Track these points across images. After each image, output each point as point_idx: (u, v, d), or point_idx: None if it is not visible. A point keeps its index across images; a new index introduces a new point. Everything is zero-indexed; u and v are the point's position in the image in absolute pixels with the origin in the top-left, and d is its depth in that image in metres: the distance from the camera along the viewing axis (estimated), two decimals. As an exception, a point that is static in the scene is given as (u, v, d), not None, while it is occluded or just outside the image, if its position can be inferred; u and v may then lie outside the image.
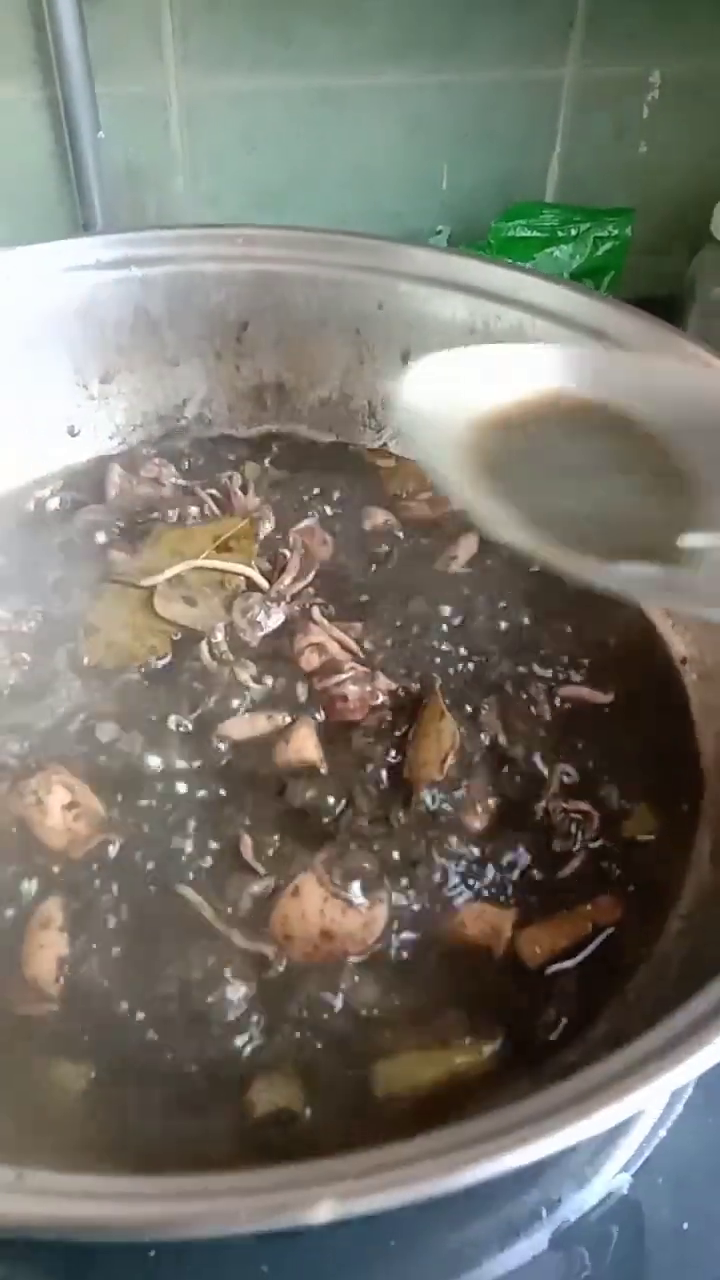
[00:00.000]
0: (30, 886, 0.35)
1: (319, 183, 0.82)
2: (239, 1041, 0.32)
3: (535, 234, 0.84)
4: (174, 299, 0.51)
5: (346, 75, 0.78)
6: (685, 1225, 0.35)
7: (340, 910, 0.33)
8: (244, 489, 0.50)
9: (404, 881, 0.35)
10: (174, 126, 0.77)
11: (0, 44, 0.68)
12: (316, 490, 0.50)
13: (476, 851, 0.36)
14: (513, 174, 0.87)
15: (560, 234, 0.85)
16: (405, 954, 0.34)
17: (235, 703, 0.41)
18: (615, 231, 0.86)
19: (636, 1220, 0.35)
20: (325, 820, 0.37)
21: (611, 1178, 0.36)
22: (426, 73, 0.79)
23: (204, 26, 0.74)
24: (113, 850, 0.35)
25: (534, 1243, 0.34)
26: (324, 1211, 0.19)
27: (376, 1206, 0.19)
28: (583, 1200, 0.35)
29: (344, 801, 0.37)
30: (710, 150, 0.87)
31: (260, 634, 0.44)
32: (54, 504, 0.50)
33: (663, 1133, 0.37)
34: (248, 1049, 0.31)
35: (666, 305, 0.86)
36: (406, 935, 0.34)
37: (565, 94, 0.84)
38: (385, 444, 0.54)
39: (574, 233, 0.85)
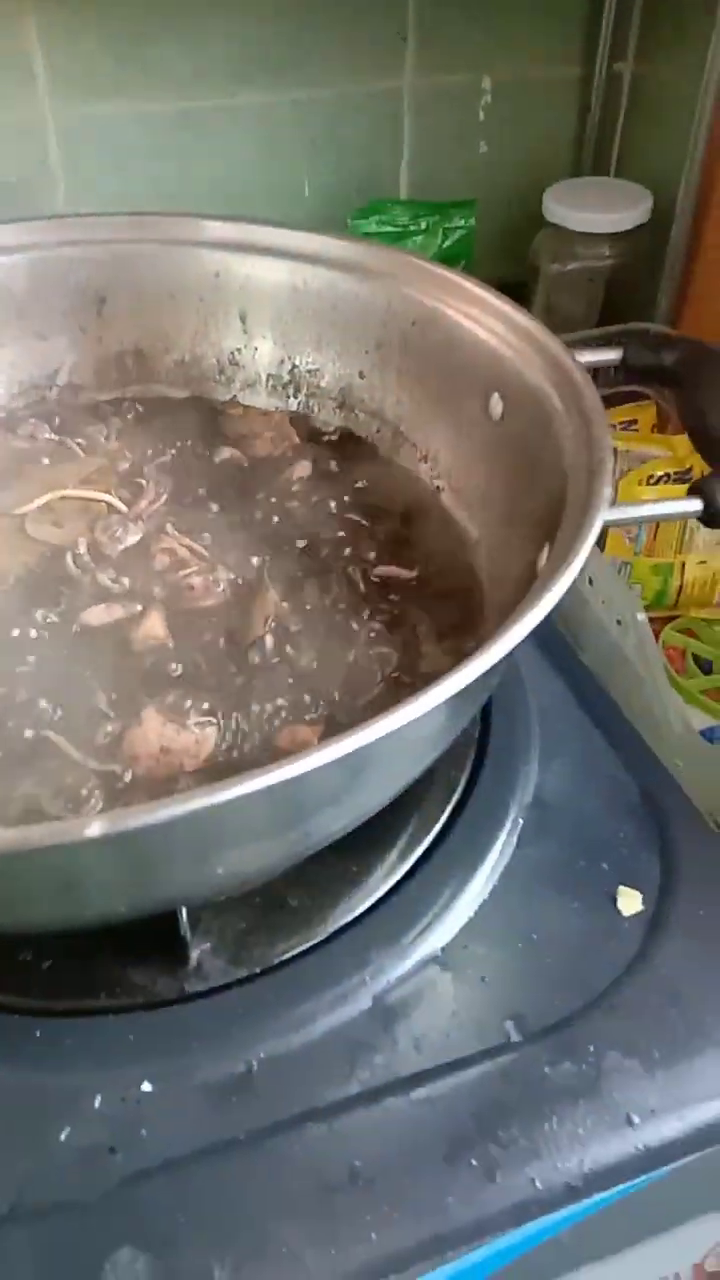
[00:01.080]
0: None
1: (187, 199, 0.91)
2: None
3: (390, 229, 0.93)
4: (36, 280, 0.59)
5: (201, 98, 0.86)
6: (483, 978, 0.42)
7: (175, 731, 0.40)
8: (106, 438, 0.57)
9: (233, 714, 0.42)
10: (50, 150, 0.85)
11: None
12: (172, 435, 0.58)
13: (292, 687, 0.44)
14: (368, 178, 0.96)
15: (412, 228, 0.94)
16: (230, 766, 0.41)
17: (94, 600, 0.48)
18: (462, 222, 0.95)
19: (444, 977, 0.42)
20: (169, 677, 0.44)
21: (425, 950, 0.43)
22: (275, 91, 0.88)
23: (69, 58, 0.82)
24: (-13, 707, 0.43)
25: (359, 1003, 0.41)
26: (94, 829, 0.26)
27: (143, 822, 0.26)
28: (399, 966, 0.42)
29: (184, 664, 0.45)
30: (538, 144, 0.97)
31: (119, 548, 0.51)
32: (-59, 462, 0.57)
33: (470, 914, 0.44)
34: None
35: (517, 287, 0.96)
36: (233, 752, 0.41)
37: (406, 102, 0.94)
38: (234, 396, 0.62)
39: (424, 225, 0.94)
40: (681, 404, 0.44)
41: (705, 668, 0.75)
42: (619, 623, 0.67)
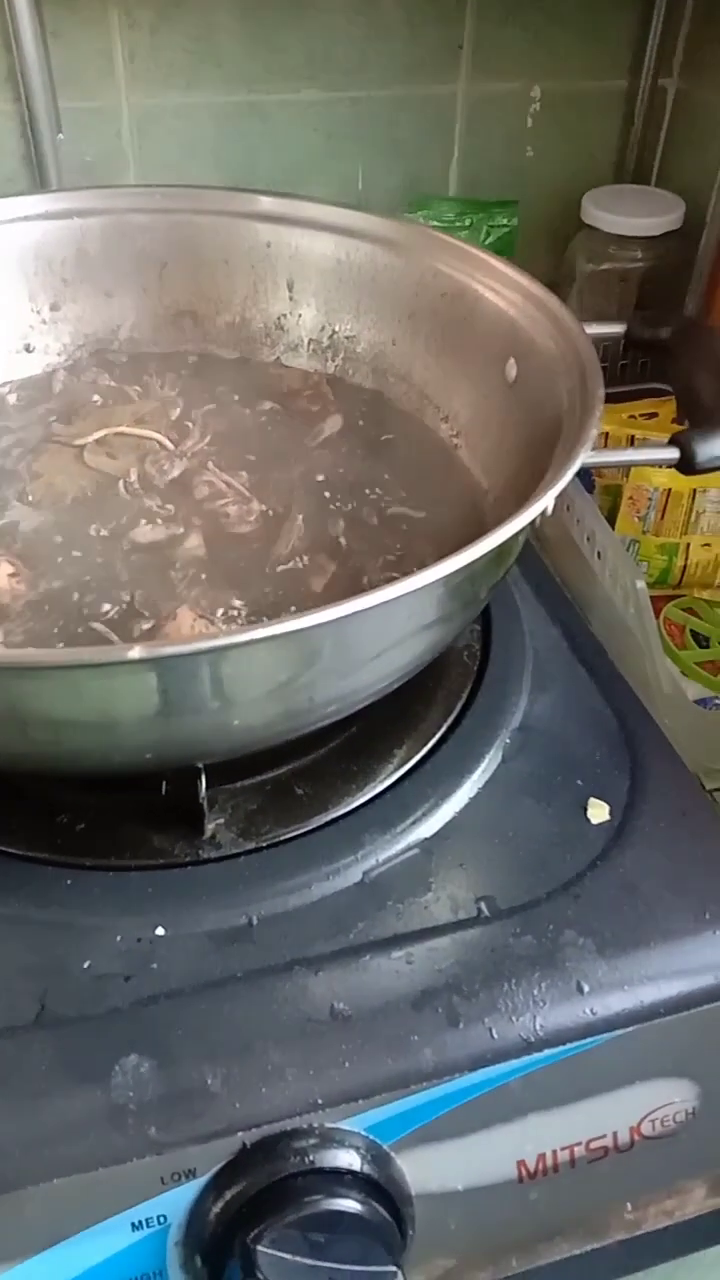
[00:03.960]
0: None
1: (250, 184, 0.97)
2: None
3: (437, 223, 0.99)
4: (108, 243, 0.65)
5: (269, 92, 0.93)
6: (464, 866, 0.48)
7: (205, 626, 0.46)
8: (161, 386, 0.64)
9: (255, 616, 0.48)
10: (125, 135, 0.92)
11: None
12: (220, 388, 0.64)
13: (309, 596, 0.50)
14: (419, 174, 1.02)
15: (458, 224, 1.00)
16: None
17: (143, 521, 0.54)
18: (505, 221, 1.00)
19: (427, 860, 0.48)
20: (204, 584, 0.50)
21: (412, 838, 0.48)
22: (337, 90, 0.95)
23: (148, 53, 0.89)
24: (39, 599, 0.49)
25: (350, 877, 0.47)
26: (136, 652, 0.31)
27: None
28: (388, 850, 0.48)
29: (218, 575, 0.51)
30: (582, 152, 1.03)
31: (166, 479, 0.57)
32: (12, 399, 0.63)
33: (455, 813, 0.50)
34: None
35: (552, 285, 1.01)
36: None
37: (459, 107, 1.00)
38: (278, 357, 0.68)
39: (469, 222, 1.00)
40: (673, 371, 0.49)
41: (703, 644, 0.79)
42: (621, 595, 0.72)
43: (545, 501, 0.39)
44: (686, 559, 0.79)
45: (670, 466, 0.45)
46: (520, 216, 1.00)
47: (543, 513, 0.40)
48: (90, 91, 0.89)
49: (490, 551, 0.38)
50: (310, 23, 0.91)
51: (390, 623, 0.38)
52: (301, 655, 0.37)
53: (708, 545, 0.79)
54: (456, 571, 0.37)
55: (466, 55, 0.97)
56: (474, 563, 0.38)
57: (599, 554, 0.75)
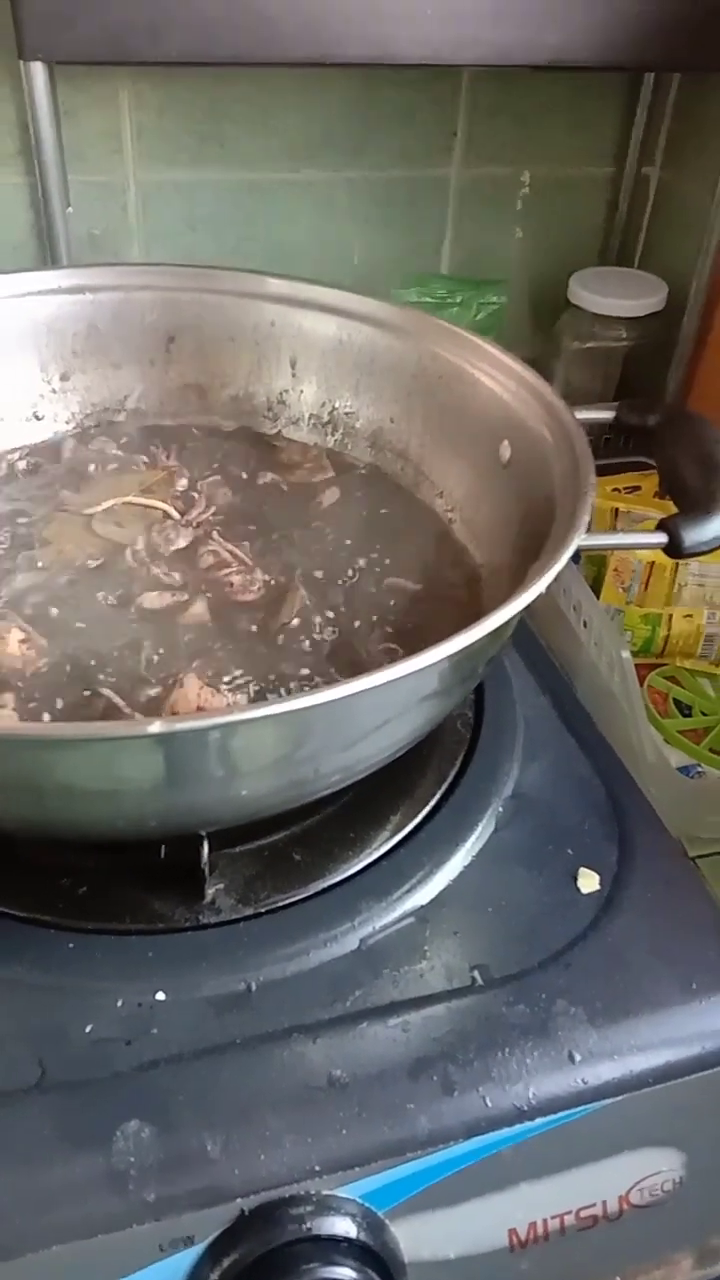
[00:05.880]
0: (-8, 691, 0.49)
1: (249, 258, 1.01)
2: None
3: (429, 300, 1.03)
4: (118, 317, 0.68)
5: (269, 171, 0.97)
6: (458, 935, 0.49)
7: (211, 694, 0.48)
8: (167, 456, 0.66)
9: (260, 684, 0.50)
10: (130, 208, 0.96)
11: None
12: (222, 459, 0.67)
13: (313, 664, 0.51)
14: (413, 252, 1.06)
15: (449, 300, 1.04)
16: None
17: (150, 589, 0.56)
18: (494, 299, 1.04)
19: (422, 928, 0.49)
20: (209, 651, 0.52)
21: (407, 906, 0.50)
22: (335, 170, 0.99)
23: (155, 132, 0.93)
24: (50, 664, 0.50)
25: (347, 945, 0.48)
26: (155, 727, 0.33)
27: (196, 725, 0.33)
28: (384, 917, 0.49)
29: (222, 642, 0.52)
30: (569, 234, 1.07)
31: (171, 549, 0.59)
32: (21, 465, 0.65)
33: (449, 881, 0.51)
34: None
35: (538, 362, 1.05)
36: (258, 718, 0.49)
37: (452, 190, 1.04)
38: (279, 430, 0.70)
39: (460, 299, 1.03)
40: (659, 458, 0.51)
41: (685, 712, 0.82)
42: (606, 663, 0.74)
43: (541, 585, 0.41)
44: (669, 629, 0.82)
45: (660, 549, 0.47)
46: (509, 295, 1.04)
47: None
48: (99, 167, 0.93)
49: (491, 632, 0.40)
50: (311, 107, 0.95)
51: (394, 697, 0.40)
52: (312, 728, 0.39)
53: (689, 616, 0.82)
54: (460, 650, 0.39)
55: (460, 141, 1.01)
56: (475, 642, 0.40)
57: (585, 623, 0.78)
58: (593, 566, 0.85)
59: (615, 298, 0.96)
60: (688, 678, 0.83)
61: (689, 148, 1.02)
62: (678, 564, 0.80)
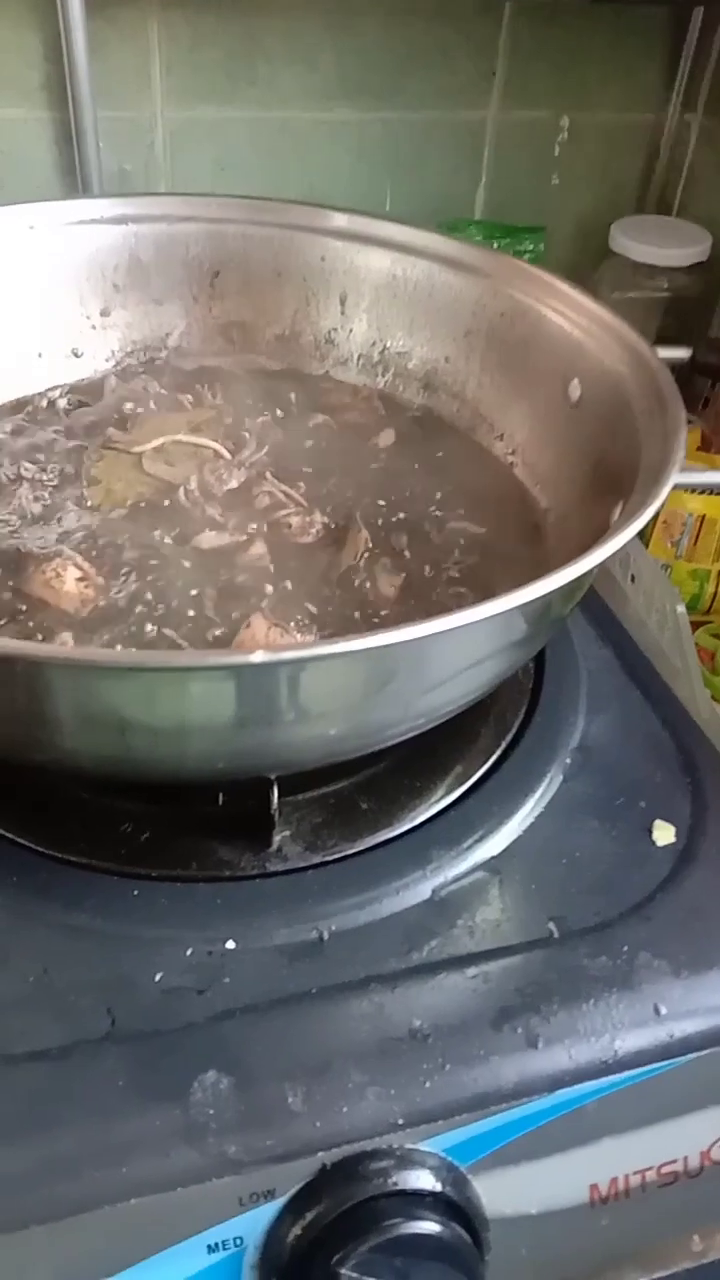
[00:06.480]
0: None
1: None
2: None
3: (463, 246, 0.99)
4: (160, 250, 0.65)
5: (302, 110, 0.94)
6: (533, 886, 0.47)
7: (280, 634, 0.46)
8: (212, 394, 0.63)
9: (327, 627, 0.48)
10: (158, 147, 0.92)
11: (22, 75, 0.83)
12: (269, 399, 0.64)
13: (379, 607, 0.49)
14: (446, 197, 1.03)
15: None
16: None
17: (206, 528, 0.54)
18: (531, 246, 1.01)
19: (494, 879, 0.47)
20: (272, 592, 0.50)
21: (478, 856, 0.48)
22: (369, 110, 0.96)
23: (185, 67, 0.89)
24: (109, 604, 0.48)
25: (419, 894, 0.46)
26: (258, 656, 0.31)
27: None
28: (456, 867, 0.47)
29: (286, 583, 0.50)
30: (608, 181, 1.04)
31: (225, 489, 0.57)
32: (63, 403, 0.63)
33: (519, 833, 0.49)
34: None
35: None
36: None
37: (489, 133, 1.01)
38: (326, 371, 0.68)
39: (495, 246, 1.00)
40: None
41: (732, 670, 0.80)
42: (657, 619, 0.72)
43: (641, 520, 0.39)
44: (717, 586, 0.80)
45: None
46: (545, 242, 1.01)
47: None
48: (126, 103, 0.89)
49: (587, 571, 0.38)
50: (346, 45, 0.91)
51: (484, 637, 0.38)
52: (413, 664, 0.37)
53: (738, 572, 0.80)
54: (557, 589, 0.37)
55: (498, 83, 0.98)
56: (572, 580, 0.38)
57: (632, 577, 0.76)
58: (636, 521, 0.83)
59: (659, 246, 0.93)
60: (734, 635, 0.82)
61: (733, 93, 0.99)
62: (729, 518, 0.78)
